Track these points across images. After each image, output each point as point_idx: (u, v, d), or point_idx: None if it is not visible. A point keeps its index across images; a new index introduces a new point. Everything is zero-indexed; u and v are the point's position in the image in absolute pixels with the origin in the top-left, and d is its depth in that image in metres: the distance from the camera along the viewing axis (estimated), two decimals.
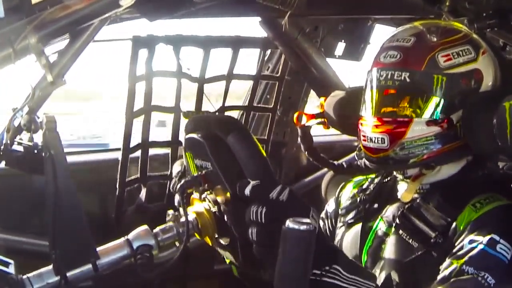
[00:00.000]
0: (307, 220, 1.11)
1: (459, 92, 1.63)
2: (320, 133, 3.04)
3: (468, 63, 1.65)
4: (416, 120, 1.64)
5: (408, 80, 1.63)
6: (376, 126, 1.68)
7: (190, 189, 1.45)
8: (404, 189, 1.73)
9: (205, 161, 1.44)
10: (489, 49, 1.73)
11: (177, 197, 1.46)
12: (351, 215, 1.89)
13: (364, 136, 1.71)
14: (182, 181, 1.43)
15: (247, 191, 1.28)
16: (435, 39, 1.67)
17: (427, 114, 1.64)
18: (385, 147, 1.66)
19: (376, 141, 1.67)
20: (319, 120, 2.20)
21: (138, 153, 2.71)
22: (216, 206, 1.41)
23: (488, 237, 1.51)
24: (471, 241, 1.53)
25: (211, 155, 1.39)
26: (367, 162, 1.76)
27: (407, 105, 1.66)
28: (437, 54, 1.64)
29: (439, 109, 1.64)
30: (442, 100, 1.63)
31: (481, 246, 1.50)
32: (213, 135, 1.40)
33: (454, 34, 1.70)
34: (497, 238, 1.51)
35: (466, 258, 1.50)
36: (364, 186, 1.93)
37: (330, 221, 2.02)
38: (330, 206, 2.04)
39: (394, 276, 1.66)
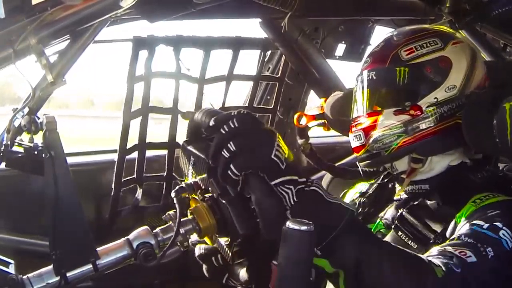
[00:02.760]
0: (308, 221, 1.11)
1: (423, 80, 1.70)
2: (320, 135, 3.05)
3: (433, 52, 1.71)
4: (385, 111, 1.72)
5: (374, 77, 1.75)
6: (356, 125, 1.78)
7: (184, 193, 1.45)
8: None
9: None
10: (471, 41, 1.77)
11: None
12: None
13: (351, 137, 1.80)
14: (177, 187, 1.43)
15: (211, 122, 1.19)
16: (398, 39, 1.76)
17: (394, 105, 1.71)
18: (362, 143, 1.75)
19: (355, 139, 1.77)
20: (319, 121, 2.21)
21: (134, 155, 2.71)
22: (216, 206, 1.41)
23: (489, 223, 1.47)
24: (471, 224, 1.49)
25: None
26: (357, 162, 1.82)
27: (375, 100, 1.76)
28: (399, 50, 1.73)
29: (405, 98, 1.70)
30: (407, 90, 1.70)
31: (481, 229, 1.46)
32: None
33: (420, 32, 1.77)
34: (499, 225, 1.46)
35: (466, 233, 1.46)
36: (364, 190, 1.95)
37: None
38: None
39: None
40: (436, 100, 1.68)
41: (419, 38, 1.74)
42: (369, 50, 3.01)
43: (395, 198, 1.82)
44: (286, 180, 1.20)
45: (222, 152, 1.17)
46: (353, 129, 1.78)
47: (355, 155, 1.83)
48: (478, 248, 1.39)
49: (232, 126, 1.17)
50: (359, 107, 1.81)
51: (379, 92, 1.76)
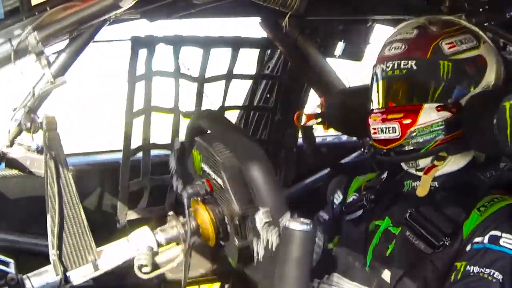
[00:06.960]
0: (307, 220, 1.11)
1: (465, 77, 1.66)
2: (319, 134, 3.05)
3: (471, 50, 1.69)
4: (426, 106, 1.64)
5: (415, 67, 1.65)
6: (387, 116, 1.68)
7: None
8: (417, 185, 1.73)
9: (214, 172, 1.42)
10: (488, 40, 1.76)
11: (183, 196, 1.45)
12: (358, 213, 1.87)
13: (374, 129, 1.71)
14: (189, 189, 1.42)
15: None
16: (436, 29, 1.70)
17: (436, 100, 1.65)
18: (396, 137, 1.65)
19: (387, 131, 1.67)
20: (318, 120, 2.21)
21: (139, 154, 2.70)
22: (216, 208, 1.41)
23: (488, 235, 1.51)
24: (473, 243, 1.54)
25: (227, 182, 1.36)
26: (378, 157, 1.75)
27: (416, 92, 1.68)
28: (440, 42, 1.67)
29: (448, 94, 1.65)
30: (450, 85, 1.65)
31: (482, 246, 1.51)
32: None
33: (454, 25, 1.74)
34: (498, 233, 1.50)
35: (469, 259, 1.51)
36: (371, 184, 1.92)
37: (335, 213, 2.01)
38: (336, 198, 2.01)
39: (398, 277, 1.65)
40: None
41: (456, 32, 1.70)
42: (369, 49, 3.02)
43: (408, 193, 1.78)
44: None
45: None
46: (384, 120, 1.67)
47: (354, 154, 1.82)
48: (485, 279, 1.44)
49: None
50: (392, 97, 1.71)
51: (419, 84, 1.68)
